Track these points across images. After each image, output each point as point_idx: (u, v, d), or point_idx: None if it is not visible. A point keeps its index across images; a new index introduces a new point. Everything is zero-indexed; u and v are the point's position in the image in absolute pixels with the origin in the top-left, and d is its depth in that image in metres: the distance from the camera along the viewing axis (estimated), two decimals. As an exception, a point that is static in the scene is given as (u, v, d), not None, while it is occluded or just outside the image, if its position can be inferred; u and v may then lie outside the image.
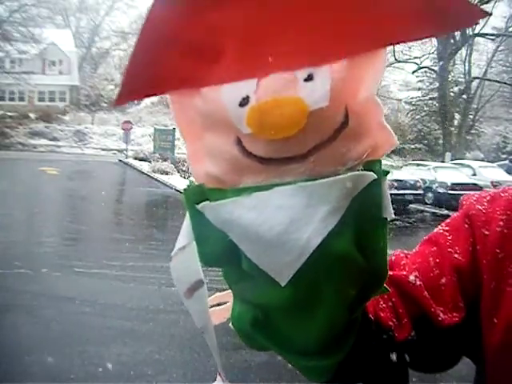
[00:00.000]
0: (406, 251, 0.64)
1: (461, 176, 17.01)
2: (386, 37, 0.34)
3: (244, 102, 0.35)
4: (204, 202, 0.39)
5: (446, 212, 15.10)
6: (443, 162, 22.23)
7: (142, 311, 5.54)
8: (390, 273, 0.57)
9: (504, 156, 27.56)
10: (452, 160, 22.17)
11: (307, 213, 0.36)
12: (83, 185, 16.19)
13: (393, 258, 0.61)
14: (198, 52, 0.35)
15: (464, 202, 0.63)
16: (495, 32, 30.93)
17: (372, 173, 0.38)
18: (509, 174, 18.58)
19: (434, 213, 15.39)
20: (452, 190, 15.97)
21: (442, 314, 0.55)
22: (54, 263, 7.08)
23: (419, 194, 15.83)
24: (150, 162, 22.50)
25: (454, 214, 0.66)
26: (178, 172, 20.26)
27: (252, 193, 0.37)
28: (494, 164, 20.66)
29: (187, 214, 0.42)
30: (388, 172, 0.41)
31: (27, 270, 6.53)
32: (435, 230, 0.63)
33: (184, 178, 19.16)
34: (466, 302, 0.56)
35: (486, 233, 0.57)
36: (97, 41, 45.61)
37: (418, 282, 0.56)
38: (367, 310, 0.53)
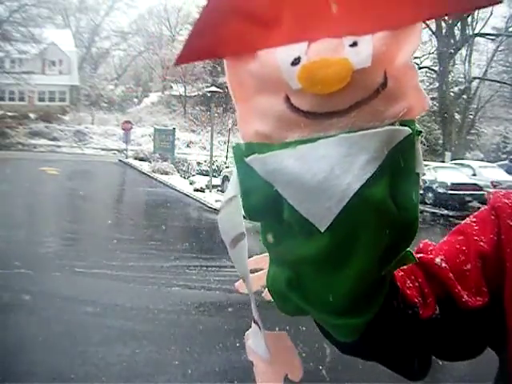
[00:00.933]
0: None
1: (461, 176, 17.01)
2: (423, 12, 0.39)
3: (296, 61, 0.39)
4: (253, 155, 0.43)
5: (445, 212, 15.10)
6: (443, 161, 22.23)
7: (142, 311, 5.54)
8: (420, 255, 0.61)
9: (504, 156, 27.55)
10: (452, 160, 22.18)
11: (347, 161, 0.40)
12: (83, 185, 16.19)
13: (420, 245, 0.65)
14: (257, 19, 0.39)
15: (491, 197, 0.67)
16: (495, 32, 30.94)
17: (407, 128, 0.42)
18: (509, 173, 18.57)
19: (433, 213, 15.38)
20: (452, 189, 15.97)
21: (466, 296, 0.57)
22: (54, 263, 7.08)
23: (419, 194, 15.82)
24: (149, 162, 22.50)
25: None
26: (178, 172, 20.26)
27: (297, 145, 0.41)
28: (494, 164, 20.65)
29: (234, 169, 0.45)
30: (421, 132, 0.45)
31: (27, 270, 6.54)
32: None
33: (184, 177, 19.16)
34: (489, 288, 0.59)
35: (511, 224, 0.61)
36: (97, 41, 45.62)
37: (444, 265, 0.59)
38: (395, 280, 0.56)
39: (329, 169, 0.40)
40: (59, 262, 7.18)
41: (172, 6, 43.50)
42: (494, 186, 16.68)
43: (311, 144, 0.41)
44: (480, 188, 16.32)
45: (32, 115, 33.48)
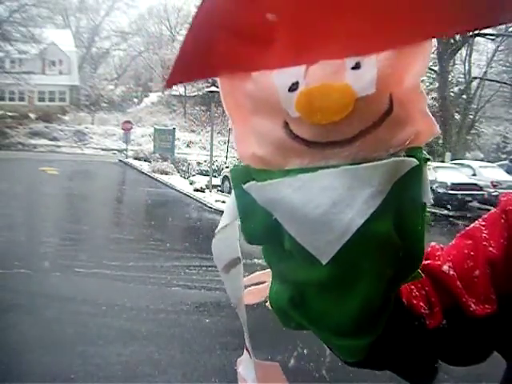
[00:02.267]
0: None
1: (461, 176, 16.99)
2: (432, 29, 0.35)
3: (294, 87, 0.37)
4: (251, 182, 0.41)
5: (445, 212, 15.09)
6: (443, 162, 22.22)
7: (142, 311, 5.54)
8: (425, 262, 0.59)
9: (504, 156, 27.56)
10: (452, 160, 22.17)
11: (350, 195, 0.38)
12: (83, 185, 16.19)
13: (428, 249, 0.63)
14: (251, 37, 0.36)
15: (502, 199, 0.64)
16: (495, 32, 30.89)
17: (414, 159, 0.40)
18: (509, 173, 18.57)
19: (433, 213, 15.37)
20: (452, 189, 15.95)
21: (473, 305, 0.55)
22: (54, 263, 7.08)
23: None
24: (149, 162, 22.50)
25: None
26: (178, 172, 20.26)
27: (297, 174, 0.39)
28: (494, 164, 20.63)
29: (232, 193, 0.44)
30: (428, 159, 0.42)
31: (27, 270, 6.54)
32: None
33: (184, 178, 19.16)
34: (498, 294, 0.57)
35: None
36: (97, 41, 45.61)
37: (452, 272, 0.58)
38: (400, 294, 0.55)
39: (331, 202, 0.38)
40: (59, 262, 7.18)
41: (172, 5, 43.51)
42: (494, 186, 16.69)
43: (312, 174, 0.39)
44: (480, 188, 16.31)
45: (32, 115, 33.48)
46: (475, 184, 16.35)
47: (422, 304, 0.56)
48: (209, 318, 5.41)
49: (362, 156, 0.39)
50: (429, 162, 0.42)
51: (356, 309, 0.43)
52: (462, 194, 15.74)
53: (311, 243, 0.40)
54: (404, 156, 0.40)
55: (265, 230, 0.43)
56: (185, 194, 15.91)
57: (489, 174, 17.91)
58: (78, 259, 7.40)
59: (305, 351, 3.96)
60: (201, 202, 14.61)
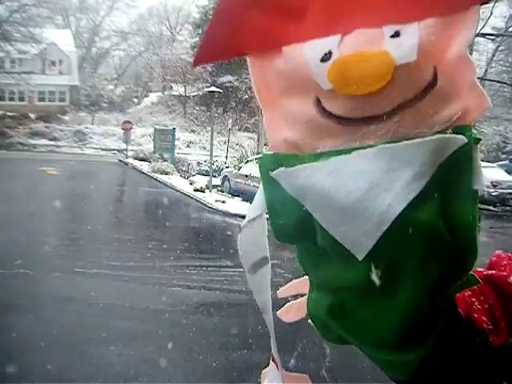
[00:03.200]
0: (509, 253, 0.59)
1: (461, 176, 16.99)
2: None
3: (326, 57, 0.34)
4: (279, 169, 0.37)
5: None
6: (443, 161, 22.20)
7: (141, 311, 5.54)
8: (489, 272, 0.53)
9: (504, 156, 27.55)
10: (452, 160, 22.14)
11: (388, 178, 0.34)
12: (83, 185, 16.18)
13: (493, 258, 0.56)
14: (282, 10, 0.34)
15: None
16: (495, 32, 30.90)
17: (462, 136, 0.35)
18: (509, 173, 18.57)
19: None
20: (452, 189, 15.95)
21: None
22: (54, 263, 7.07)
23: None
24: (149, 162, 22.50)
25: None
26: (178, 172, 20.25)
27: (330, 157, 0.35)
28: (494, 164, 20.64)
29: (261, 184, 0.40)
30: (480, 139, 0.37)
31: (27, 270, 6.53)
32: None
33: (184, 178, 19.16)
34: None
35: None
36: (97, 41, 45.63)
37: None
38: (456, 306, 0.48)
39: (366, 186, 0.34)
40: (59, 262, 7.18)
41: (172, 5, 43.52)
42: (494, 186, 16.69)
43: (345, 156, 0.35)
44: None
45: (32, 115, 33.48)
46: (475, 184, 16.32)
47: (484, 318, 0.49)
48: (209, 318, 5.41)
49: (403, 133, 0.35)
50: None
51: (400, 315, 0.38)
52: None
53: (345, 235, 0.36)
54: (451, 134, 0.35)
55: (296, 224, 0.38)
56: (185, 194, 15.91)
57: (489, 174, 17.89)
58: (78, 259, 7.39)
59: (305, 351, 3.96)
60: (201, 202, 14.60)
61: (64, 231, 9.79)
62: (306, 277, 0.46)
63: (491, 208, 16.62)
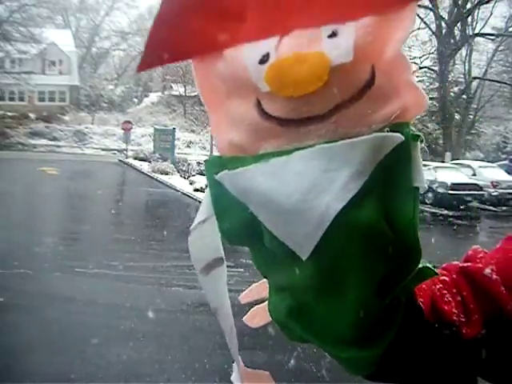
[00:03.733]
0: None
1: (461, 176, 16.99)
2: None
3: (264, 58, 0.34)
4: (223, 171, 0.38)
5: (445, 212, 15.08)
6: (443, 162, 22.22)
7: (142, 311, 5.53)
8: (464, 265, 0.54)
9: (504, 156, 27.54)
10: (452, 160, 22.17)
11: (326, 178, 0.34)
12: (83, 185, 16.18)
13: (469, 252, 0.56)
14: (221, 14, 0.34)
15: None
16: (495, 32, 30.92)
17: (399, 134, 0.35)
18: (509, 173, 18.57)
19: (433, 213, 15.37)
20: (452, 189, 15.95)
21: None
22: (54, 263, 7.07)
23: (419, 194, 15.81)
24: (149, 162, 22.49)
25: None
26: (178, 172, 20.25)
27: (270, 159, 0.36)
28: (494, 164, 20.65)
29: (207, 187, 0.41)
30: (419, 136, 0.38)
31: (27, 270, 6.53)
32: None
33: (184, 177, 19.15)
34: None
35: None
36: (97, 41, 45.60)
37: (494, 276, 0.50)
38: (416, 299, 0.49)
39: (305, 188, 0.34)
40: (59, 262, 7.18)
41: (172, 5, 43.41)
42: (494, 186, 16.71)
43: (286, 157, 0.35)
44: (480, 188, 16.31)
45: (32, 115, 33.46)
46: (475, 184, 16.35)
47: (455, 310, 0.50)
48: (209, 318, 5.41)
49: (341, 133, 0.35)
50: (429, 162, 0.38)
51: (352, 313, 0.39)
52: (461, 194, 15.74)
53: (288, 236, 0.36)
54: (388, 132, 0.36)
55: (242, 227, 0.39)
56: (185, 194, 15.90)
57: (489, 174, 17.91)
58: (78, 259, 7.39)
59: (305, 351, 3.96)
60: (201, 202, 14.55)
61: (64, 231, 9.79)
62: (265, 280, 0.46)
63: (491, 208, 16.62)
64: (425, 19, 28.64)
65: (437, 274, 0.47)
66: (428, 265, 0.45)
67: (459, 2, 27.67)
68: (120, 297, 5.94)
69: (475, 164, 19.50)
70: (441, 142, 29.23)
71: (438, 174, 16.88)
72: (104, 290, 6.17)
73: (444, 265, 0.54)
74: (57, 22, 41.41)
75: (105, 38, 45.82)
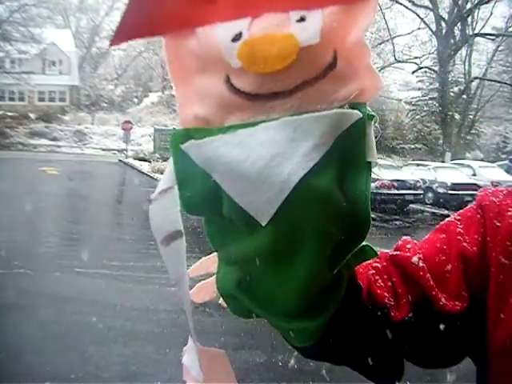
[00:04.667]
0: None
1: (461, 176, 17.01)
2: None
3: (237, 37, 0.36)
4: (189, 141, 0.39)
5: (446, 212, 15.09)
6: (443, 162, 22.23)
7: (142, 311, 5.54)
8: (394, 253, 0.57)
9: (504, 156, 27.56)
10: (452, 160, 22.18)
11: (290, 147, 0.37)
12: (83, 185, 16.19)
13: (399, 242, 0.60)
14: None
15: (479, 194, 0.62)
16: (495, 32, 30.92)
17: (357, 111, 0.39)
18: (509, 173, 18.58)
19: (433, 213, 15.38)
20: (452, 190, 15.97)
21: (444, 299, 0.53)
22: (54, 263, 7.07)
23: (419, 194, 15.84)
24: (149, 162, 22.50)
25: (451, 214, 0.64)
26: (178, 172, 20.26)
27: (237, 130, 0.37)
28: (494, 164, 20.65)
29: (171, 158, 0.42)
30: (373, 116, 0.41)
31: (27, 270, 6.53)
32: (433, 229, 0.62)
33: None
34: (470, 292, 0.54)
35: (498, 224, 0.55)
36: (97, 41, 45.57)
37: (421, 264, 0.54)
38: (357, 278, 0.51)
39: (269, 156, 0.37)
40: (59, 261, 7.18)
41: (172, 6, 43.42)
42: (494, 186, 16.65)
43: (252, 128, 0.37)
44: (480, 188, 16.30)
45: (32, 115, 33.47)
46: (475, 184, 16.33)
47: (386, 294, 0.53)
48: (209, 318, 5.41)
49: (304, 108, 0.37)
50: (429, 162, 0.40)
51: (301, 282, 0.41)
52: (461, 194, 15.74)
53: (250, 203, 0.38)
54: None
55: (204, 195, 0.40)
56: (185, 194, 15.92)
57: (489, 174, 17.92)
58: (77, 259, 7.38)
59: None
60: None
61: (64, 231, 9.79)
62: (215, 254, 0.48)
63: (491, 208, 16.60)
64: (425, 19, 28.66)
65: (377, 254, 0.50)
66: (369, 244, 0.47)
67: (459, 2, 27.67)
68: (120, 297, 5.94)
69: (475, 164, 19.51)
70: (441, 141, 29.25)
71: (437, 173, 16.90)
72: (104, 290, 6.17)
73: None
74: (57, 22, 41.40)
75: (105, 38, 45.75)
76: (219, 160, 0.38)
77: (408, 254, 0.56)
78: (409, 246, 0.58)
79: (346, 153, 0.39)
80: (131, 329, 5.04)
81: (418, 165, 18.34)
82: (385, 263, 0.56)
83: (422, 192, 16.04)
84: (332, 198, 0.39)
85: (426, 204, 16.25)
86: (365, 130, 0.40)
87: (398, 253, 0.57)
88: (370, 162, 0.41)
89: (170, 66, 0.40)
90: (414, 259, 0.55)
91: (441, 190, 16.24)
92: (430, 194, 16.50)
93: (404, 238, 0.61)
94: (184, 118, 0.41)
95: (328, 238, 0.40)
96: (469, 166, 18.96)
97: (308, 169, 0.37)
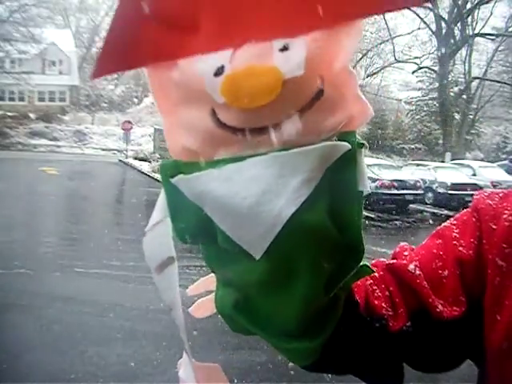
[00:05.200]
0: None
1: (461, 176, 17.00)
2: (361, 8, 0.33)
3: (219, 71, 0.35)
4: (178, 176, 0.39)
5: (446, 212, 15.09)
6: (443, 162, 22.22)
7: (142, 311, 5.53)
8: (391, 261, 0.58)
9: (504, 156, 27.56)
10: (452, 160, 22.17)
11: (280, 183, 0.36)
12: (83, 185, 16.19)
13: (397, 249, 0.61)
14: (175, 24, 0.34)
15: (475, 197, 0.62)
16: (495, 32, 30.92)
17: (346, 143, 0.38)
18: (509, 173, 18.57)
19: (433, 213, 15.38)
20: (452, 190, 15.96)
21: (440, 306, 0.52)
22: (54, 263, 7.07)
23: (419, 194, 15.83)
24: (149, 162, 22.50)
25: (451, 214, 0.65)
26: (178, 172, 20.26)
27: (225, 165, 0.37)
28: (494, 164, 20.64)
29: (162, 189, 0.42)
30: (363, 144, 0.41)
31: (27, 270, 6.53)
32: (434, 229, 0.62)
33: (184, 178, 19.16)
34: (467, 296, 0.54)
35: (494, 227, 0.55)
36: (97, 41, 45.57)
37: (418, 272, 0.54)
38: (354, 294, 0.52)
39: (259, 192, 0.36)
40: (59, 261, 7.18)
41: (172, 6, 43.44)
42: (494, 186, 16.68)
43: (239, 163, 0.37)
44: (480, 188, 16.24)
45: (32, 115, 33.46)
46: (475, 184, 16.33)
47: (384, 305, 0.54)
48: (209, 318, 5.41)
49: (292, 142, 0.36)
50: (429, 162, 0.40)
51: (298, 308, 0.41)
52: (461, 194, 15.74)
53: (243, 238, 0.38)
54: (336, 141, 0.38)
55: (197, 227, 0.41)
56: (185, 194, 15.91)
57: (489, 174, 17.90)
58: (78, 259, 7.39)
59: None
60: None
61: (64, 231, 9.79)
62: (213, 274, 0.49)
63: (491, 208, 16.59)
64: (425, 19, 28.66)
65: (373, 271, 0.50)
66: (366, 263, 0.48)
67: (459, 2, 27.66)
68: (120, 297, 5.94)
69: (475, 164, 19.50)
70: (441, 141, 29.24)
71: (437, 174, 16.89)
72: (104, 290, 6.17)
73: (373, 261, 0.58)
74: (57, 22, 41.38)
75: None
76: (209, 195, 0.38)
77: (404, 262, 0.56)
78: (406, 253, 0.59)
79: (337, 184, 0.39)
80: (131, 329, 5.04)
81: (418, 165, 18.33)
82: (381, 272, 0.57)
83: (421, 192, 16.03)
84: (324, 231, 0.39)
85: (426, 204, 16.24)
86: (355, 159, 0.40)
87: (395, 261, 0.57)
88: (361, 191, 0.41)
89: (155, 95, 0.40)
90: (411, 267, 0.55)
91: (441, 190, 16.23)
92: (429, 194, 16.49)
93: (401, 244, 0.61)
94: (172, 147, 0.41)
95: (322, 268, 0.41)
96: (469, 166, 18.95)
97: (299, 205, 0.37)
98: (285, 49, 0.34)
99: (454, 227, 0.59)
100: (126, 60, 0.36)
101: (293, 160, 0.36)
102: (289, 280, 0.40)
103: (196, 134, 0.39)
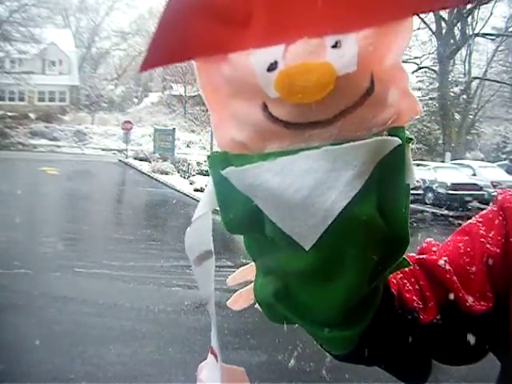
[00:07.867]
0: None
1: (461, 176, 17.00)
2: (411, 6, 0.34)
3: (272, 67, 0.35)
4: (229, 168, 0.40)
5: (445, 212, 15.09)
6: (443, 161, 22.22)
7: (142, 311, 5.53)
8: (420, 256, 0.59)
9: (504, 156, 27.57)
10: (452, 160, 22.16)
11: (332, 177, 0.37)
12: (83, 185, 16.19)
13: (424, 245, 0.62)
14: (227, 17, 0.35)
15: (499, 196, 0.62)
16: (495, 32, 30.91)
17: (396, 138, 0.39)
18: (509, 173, 18.57)
19: (433, 213, 15.37)
20: (452, 190, 15.96)
21: (470, 301, 0.54)
22: (54, 263, 7.07)
23: (419, 194, 15.83)
24: (149, 162, 22.50)
25: (451, 214, 0.66)
26: (178, 172, 20.25)
27: (277, 158, 0.38)
28: (494, 164, 20.64)
29: (210, 181, 0.43)
30: (411, 139, 0.42)
31: (27, 270, 6.53)
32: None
33: (184, 178, 19.15)
34: (494, 292, 0.55)
35: None
36: (97, 41, 45.60)
37: (448, 267, 0.56)
38: (390, 286, 0.53)
39: (312, 184, 0.37)
40: (59, 262, 7.18)
41: (172, 6, 43.38)
42: (494, 186, 16.67)
43: (292, 156, 0.37)
44: (480, 188, 16.30)
45: (32, 115, 33.47)
46: (475, 184, 16.35)
47: (415, 298, 0.55)
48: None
49: (344, 136, 0.37)
50: (429, 162, 0.40)
51: (342, 297, 0.42)
52: (462, 194, 15.74)
53: (293, 229, 0.39)
54: (386, 136, 0.39)
55: (246, 218, 0.42)
56: (185, 194, 15.91)
57: (489, 174, 17.90)
58: (77, 259, 7.39)
59: (305, 351, 3.96)
60: (201, 202, 14.58)
61: (64, 231, 9.79)
62: (252, 264, 0.50)
63: (491, 208, 16.58)
64: (425, 19, 28.62)
65: (410, 264, 0.52)
66: (403, 256, 0.49)
67: (459, 2, 27.58)
68: (120, 297, 5.94)
69: (475, 164, 19.49)
70: (441, 141, 29.23)
71: (437, 174, 16.89)
72: (104, 290, 6.17)
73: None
74: (57, 22, 41.38)
75: (105, 38, 45.82)
76: (261, 187, 0.38)
77: (434, 257, 0.58)
78: (434, 248, 0.60)
79: (386, 178, 0.40)
80: (131, 329, 5.04)
81: (418, 165, 18.32)
82: (412, 267, 0.57)
83: (421, 192, 16.04)
84: (374, 224, 0.40)
85: (426, 204, 16.24)
86: (404, 154, 0.41)
87: (425, 256, 0.59)
88: (408, 185, 0.42)
89: (204, 90, 0.40)
90: (441, 262, 0.57)
91: (441, 190, 16.22)
92: (429, 194, 16.49)
93: (428, 239, 0.63)
94: (220, 140, 0.41)
95: (369, 260, 0.42)
96: (469, 166, 18.94)
97: (350, 198, 0.38)
98: (336, 45, 0.35)
99: (481, 224, 0.60)
100: (175, 53, 0.37)
101: (345, 154, 0.37)
102: (336, 270, 0.41)
103: (246, 128, 0.39)
